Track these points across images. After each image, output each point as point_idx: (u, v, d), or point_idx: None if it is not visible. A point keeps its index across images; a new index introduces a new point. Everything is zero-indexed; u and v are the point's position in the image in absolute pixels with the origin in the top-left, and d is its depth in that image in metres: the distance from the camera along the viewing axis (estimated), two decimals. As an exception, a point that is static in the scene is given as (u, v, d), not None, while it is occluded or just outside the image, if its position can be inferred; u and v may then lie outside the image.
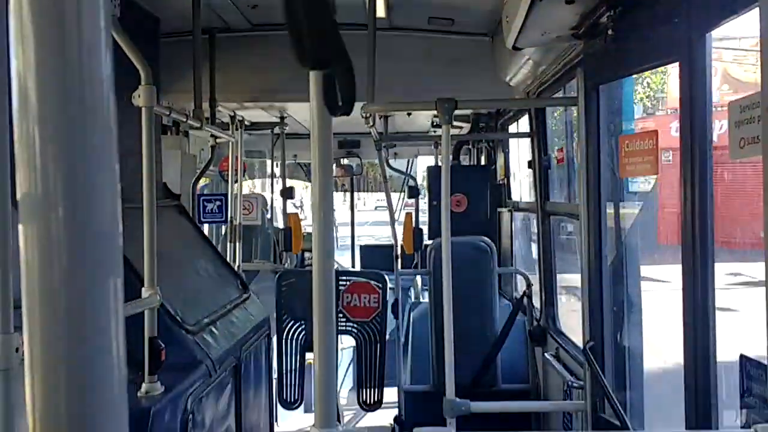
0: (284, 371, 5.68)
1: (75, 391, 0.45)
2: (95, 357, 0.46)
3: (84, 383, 0.46)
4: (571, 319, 4.24)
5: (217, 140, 5.51)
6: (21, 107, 0.47)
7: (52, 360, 0.46)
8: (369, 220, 20.33)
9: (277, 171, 7.58)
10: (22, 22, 0.46)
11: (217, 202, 6.10)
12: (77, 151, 0.47)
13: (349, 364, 6.67)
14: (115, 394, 0.47)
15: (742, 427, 1.98)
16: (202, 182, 6.79)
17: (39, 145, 0.46)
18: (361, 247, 9.17)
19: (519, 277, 6.02)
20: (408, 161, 9.04)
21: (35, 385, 0.46)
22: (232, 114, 5.78)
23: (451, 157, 3.80)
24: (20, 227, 0.46)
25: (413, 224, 6.93)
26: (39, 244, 0.46)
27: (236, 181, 5.96)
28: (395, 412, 5.48)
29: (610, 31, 2.73)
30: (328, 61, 1.01)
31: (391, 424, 5.42)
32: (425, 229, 6.95)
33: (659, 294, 5.45)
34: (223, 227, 6.77)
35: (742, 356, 2.01)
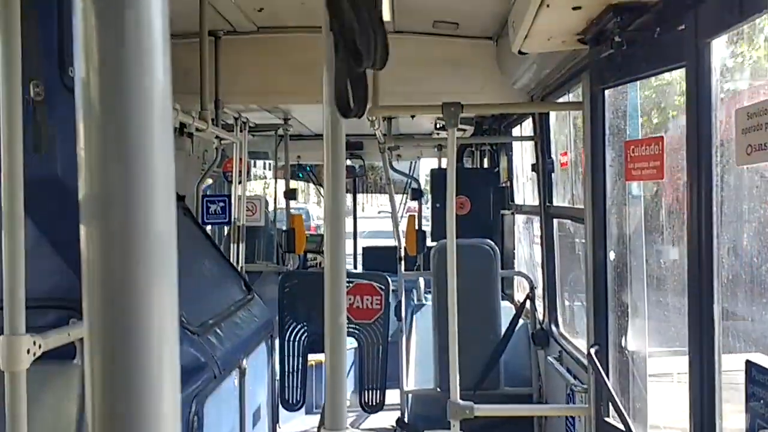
0: (286, 372, 5.69)
1: (133, 391, 0.47)
2: (152, 357, 0.48)
3: (142, 384, 0.47)
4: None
5: (222, 142, 5.53)
6: (85, 111, 0.49)
7: (112, 360, 0.47)
8: (368, 229, 18.40)
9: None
10: (86, 29, 0.48)
11: (221, 203, 6.11)
12: (137, 153, 0.49)
13: (351, 366, 6.67)
14: (170, 395, 0.48)
15: (747, 432, 1.99)
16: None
17: (100, 148, 0.48)
18: (364, 248, 9.18)
19: (522, 279, 6.03)
20: (411, 163, 9.06)
21: (95, 386, 0.47)
22: (237, 115, 5.79)
23: (455, 159, 3.81)
24: (81, 228, 0.48)
25: (416, 226, 6.94)
26: (99, 244, 0.47)
27: (240, 182, 5.98)
28: (397, 414, 5.49)
29: (616, 37, 2.74)
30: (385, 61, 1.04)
31: (393, 426, 5.43)
32: (428, 231, 6.96)
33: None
34: (226, 228, 6.79)
35: (747, 361, 2.02)
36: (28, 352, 1.93)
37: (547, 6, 2.60)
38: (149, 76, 0.49)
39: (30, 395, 1.98)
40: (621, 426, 2.99)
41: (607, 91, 3.13)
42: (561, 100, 4.39)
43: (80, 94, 0.48)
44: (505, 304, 5.58)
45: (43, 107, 2.35)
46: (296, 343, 5.68)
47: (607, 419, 3.19)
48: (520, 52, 3.33)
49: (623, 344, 3.21)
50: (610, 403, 3.11)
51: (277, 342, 5.34)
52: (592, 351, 3.17)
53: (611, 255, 3.23)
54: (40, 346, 1.97)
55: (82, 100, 0.48)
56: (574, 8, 2.64)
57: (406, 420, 5.32)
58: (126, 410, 0.46)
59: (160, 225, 0.48)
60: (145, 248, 0.48)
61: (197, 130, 4.39)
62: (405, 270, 5.78)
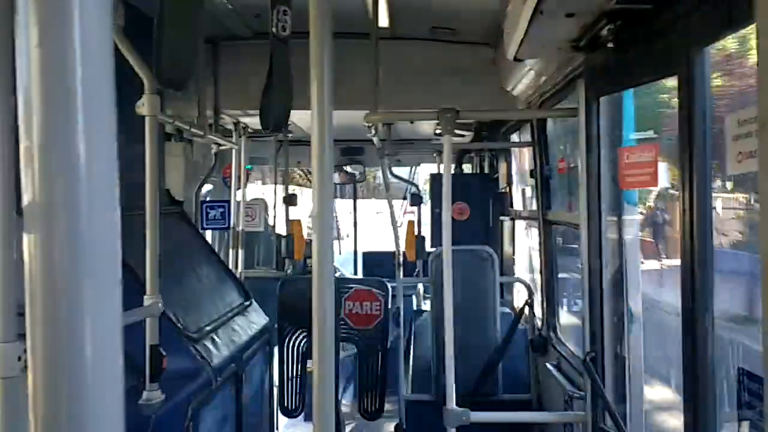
0: (285, 379, 5.69)
1: (75, 400, 0.47)
2: (95, 366, 0.48)
3: (84, 392, 0.47)
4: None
5: (221, 147, 5.54)
6: (26, 115, 0.48)
7: (53, 368, 0.47)
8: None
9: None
10: (27, 32, 0.48)
11: (220, 209, 6.12)
12: (79, 160, 0.48)
13: (351, 372, 6.67)
14: (113, 405, 0.49)
15: (739, 440, 1.99)
16: (205, 188, 6.81)
17: (42, 154, 0.48)
18: (363, 254, 9.18)
19: (520, 286, 6.03)
20: (411, 169, 9.06)
21: (37, 394, 0.47)
22: (236, 121, 5.81)
23: (453, 166, 3.82)
24: (24, 235, 0.48)
25: (416, 232, 6.94)
26: (41, 252, 0.47)
27: (239, 188, 5.98)
28: (396, 421, 5.48)
29: (610, 44, 2.74)
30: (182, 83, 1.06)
31: (391, 433, 5.42)
32: (427, 237, 6.96)
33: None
34: (226, 233, 6.78)
35: (740, 369, 2.01)
36: (20, 359, 1.93)
37: (541, 13, 2.61)
38: (93, 80, 0.48)
39: (22, 402, 1.98)
40: None
41: (602, 98, 3.14)
42: (558, 106, 4.39)
43: (22, 99, 0.48)
44: (503, 311, 5.57)
45: None
46: (295, 349, 5.68)
47: (603, 426, 3.18)
48: (515, 59, 3.34)
49: (619, 351, 3.21)
50: (606, 411, 3.11)
51: (275, 348, 5.34)
52: (588, 358, 3.17)
53: (606, 261, 3.22)
54: None
55: (23, 107, 0.48)
56: (568, 15, 2.64)
57: (404, 427, 5.31)
58: (67, 420, 0.47)
59: (104, 233, 0.48)
60: (89, 257, 0.48)
61: (195, 135, 4.40)
62: (405, 276, 5.78)
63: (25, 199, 0.48)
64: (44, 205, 0.47)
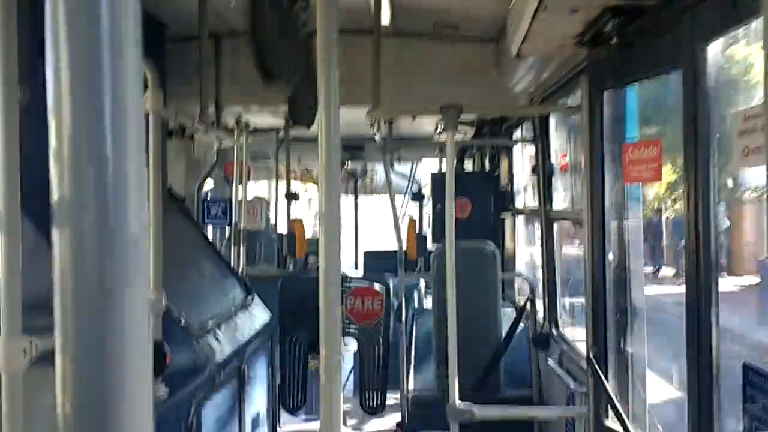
0: (287, 376, 5.69)
1: (104, 394, 0.47)
2: (124, 360, 0.48)
3: (113, 387, 0.48)
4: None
5: (222, 144, 5.54)
6: (56, 111, 0.49)
7: (83, 363, 0.48)
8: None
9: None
10: (57, 29, 0.48)
11: (222, 206, 6.12)
12: (108, 156, 0.49)
13: (352, 368, 6.67)
14: (143, 398, 0.49)
15: (744, 435, 1.99)
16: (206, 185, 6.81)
17: (72, 150, 0.48)
18: (365, 252, 9.18)
19: (523, 281, 6.03)
20: (412, 165, 9.06)
21: (66, 389, 0.47)
22: (238, 118, 5.80)
23: (455, 162, 3.81)
24: (53, 230, 0.48)
25: (417, 229, 6.94)
26: (71, 246, 0.48)
27: (240, 185, 5.98)
28: (398, 416, 5.48)
29: (614, 40, 2.74)
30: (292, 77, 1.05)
31: (394, 429, 5.43)
32: (429, 233, 6.96)
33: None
34: (227, 231, 6.79)
35: (745, 364, 2.01)
36: (25, 353, 1.94)
37: (545, 9, 2.61)
38: (121, 76, 0.49)
39: (27, 396, 1.98)
40: (620, 429, 2.99)
41: (605, 94, 3.14)
42: (561, 102, 4.39)
43: (51, 94, 0.49)
44: (505, 307, 5.57)
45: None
46: (297, 346, 5.69)
47: (606, 422, 3.18)
48: (518, 55, 3.33)
49: (622, 347, 3.21)
50: (609, 406, 3.11)
51: (277, 345, 5.35)
52: (591, 353, 3.17)
53: (610, 257, 3.22)
54: (37, 347, 1.97)
55: (53, 101, 0.48)
56: (572, 11, 2.64)
57: (407, 422, 5.31)
58: (97, 418, 0.47)
59: (133, 228, 0.49)
60: (117, 251, 0.48)
61: (197, 132, 4.40)
62: (407, 272, 5.78)
63: (55, 194, 0.48)
64: (74, 200, 0.48)
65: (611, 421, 3.14)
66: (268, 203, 7.72)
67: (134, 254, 0.49)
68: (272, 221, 7.85)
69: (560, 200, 5.13)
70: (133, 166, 0.49)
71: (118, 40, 0.49)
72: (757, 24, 1.92)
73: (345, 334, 5.80)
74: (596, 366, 3.13)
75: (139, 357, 0.48)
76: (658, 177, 2.63)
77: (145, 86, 3.09)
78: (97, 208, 0.47)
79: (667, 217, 14.67)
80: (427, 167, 9.08)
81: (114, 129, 0.48)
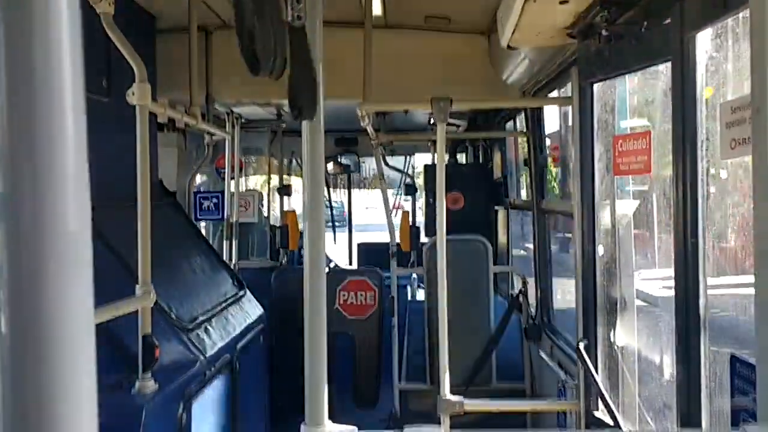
0: (280, 368, 5.69)
1: (43, 393, 0.45)
2: (64, 363, 0.46)
3: (53, 386, 0.46)
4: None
5: (214, 137, 5.51)
6: None
7: (20, 364, 0.46)
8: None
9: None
10: None
11: (214, 200, 6.09)
12: (46, 147, 0.46)
13: (345, 362, 6.67)
14: (84, 401, 0.47)
15: (732, 426, 1.99)
16: (198, 178, 6.78)
17: (6, 143, 0.46)
18: (358, 245, 9.17)
19: (515, 275, 6.04)
20: (405, 158, 9.04)
21: (5, 394, 0.46)
22: (229, 111, 5.77)
23: (447, 155, 3.81)
24: None
25: (410, 222, 6.93)
26: (7, 242, 0.46)
27: (233, 178, 5.96)
28: (391, 409, 5.49)
29: (603, 31, 2.73)
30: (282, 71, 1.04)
31: (386, 422, 5.43)
32: (422, 227, 6.95)
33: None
34: (219, 224, 6.76)
35: (732, 356, 2.02)
36: None
37: (534, 0, 2.60)
38: (58, 67, 0.47)
39: None
40: (610, 420, 2.99)
41: (596, 86, 3.13)
42: (553, 95, 4.38)
43: None
44: (497, 299, 5.58)
45: None
46: (289, 338, 5.68)
47: (596, 413, 3.19)
48: (509, 47, 3.32)
49: (612, 339, 3.21)
50: (598, 398, 3.12)
51: (269, 338, 5.33)
52: (581, 346, 3.17)
53: (600, 250, 3.22)
54: None
55: None
56: (561, 2, 2.63)
57: (399, 415, 5.32)
58: (35, 415, 0.45)
59: (72, 225, 0.47)
60: (57, 249, 0.46)
61: (187, 125, 4.37)
62: (399, 266, 5.78)
63: None
64: (8, 196, 0.45)
65: (601, 413, 3.15)
66: (261, 195, 7.70)
67: (73, 253, 0.46)
68: (265, 214, 7.83)
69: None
70: (73, 160, 0.47)
71: (55, 28, 0.46)
72: (744, 14, 1.91)
73: (338, 328, 5.79)
74: (586, 358, 3.13)
75: (81, 361, 0.46)
76: (647, 169, 2.63)
77: (133, 79, 3.06)
78: (32, 204, 0.45)
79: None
80: (422, 160, 9.06)
81: (52, 121, 0.46)
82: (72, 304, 0.46)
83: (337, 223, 9.89)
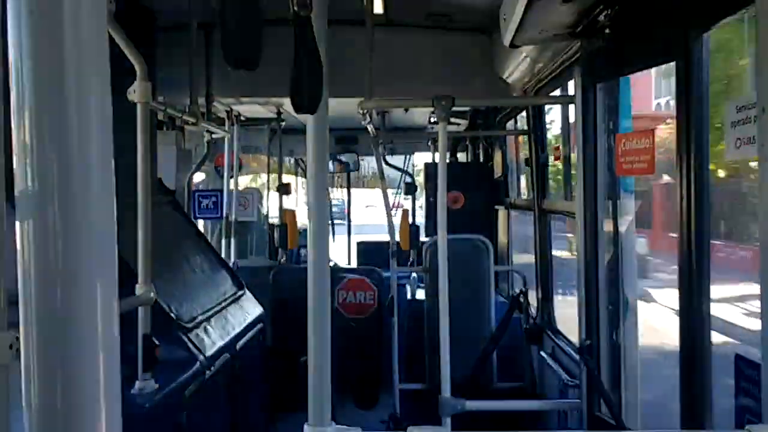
0: (280, 367, 5.67)
1: (70, 385, 0.45)
2: (89, 352, 0.46)
3: (78, 377, 0.46)
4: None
5: (213, 136, 5.49)
6: (18, 105, 0.47)
7: (48, 354, 0.46)
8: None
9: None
10: (19, 20, 0.46)
11: (213, 198, 6.08)
12: (73, 148, 0.47)
13: (345, 362, 6.66)
14: (109, 389, 0.47)
15: (736, 427, 1.98)
16: (197, 177, 6.77)
17: (36, 142, 0.46)
18: (358, 243, 9.16)
19: (515, 274, 6.02)
20: (405, 157, 9.03)
21: (32, 380, 0.46)
22: (228, 109, 5.76)
23: (448, 154, 3.79)
24: (17, 223, 0.46)
25: (410, 221, 6.92)
26: (35, 239, 0.46)
27: (232, 177, 5.95)
28: (390, 410, 5.47)
29: (607, 30, 2.72)
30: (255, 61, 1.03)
31: (386, 422, 5.42)
32: (422, 226, 6.93)
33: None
34: (218, 223, 6.75)
35: (737, 356, 2.00)
36: (11, 347, 1.91)
37: (538, -1, 2.58)
38: (86, 67, 0.47)
39: (13, 391, 1.96)
40: (612, 420, 2.98)
41: (599, 85, 3.11)
42: (555, 94, 4.37)
43: (14, 88, 0.46)
44: (498, 299, 5.57)
45: None
46: (289, 338, 5.67)
47: (598, 414, 3.18)
48: (511, 46, 3.31)
49: (615, 339, 3.20)
50: (601, 398, 3.11)
51: (269, 337, 5.32)
52: (584, 346, 3.16)
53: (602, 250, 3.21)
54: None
55: (16, 96, 0.46)
56: (565, 1, 2.61)
57: (399, 416, 5.31)
58: (63, 408, 0.45)
59: (98, 221, 0.47)
60: (83, 244, 0.46)
61: (187, 124, 4.36)
62: (398, 265, 5.78)
63: (18, 188, 0.46)
64: (37, 194, 0.46)
65: (604, 414, 3.14)
66: (260, 194, 7.69)
67: (100, 249, 0.46)
68: (264, 212, 7.82)
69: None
70: (99, 159, 0.47)
71: (81, 32, 0.46)
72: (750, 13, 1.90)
73: (337, 328, 5.77)
74: (589, 358, 3.12)
75: (105, 351, 0.46)
76: (650, 169, 2.61)
77: (134, 77, 3.05)
78: (61, 202, 0.45)
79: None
80: (422, 158, 9.05)
81: (78, 123, 0.46)
82: (98, 298, 0.46)
83: (338, 221, 9.89)
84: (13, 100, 0.48)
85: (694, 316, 2.23)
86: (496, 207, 6.63)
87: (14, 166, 0.47)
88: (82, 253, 0.46)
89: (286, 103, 6.32)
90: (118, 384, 0.49)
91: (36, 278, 0.46)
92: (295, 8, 1.36)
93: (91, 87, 0.48)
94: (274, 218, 7.57)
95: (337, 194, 11.32)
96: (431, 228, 6.39)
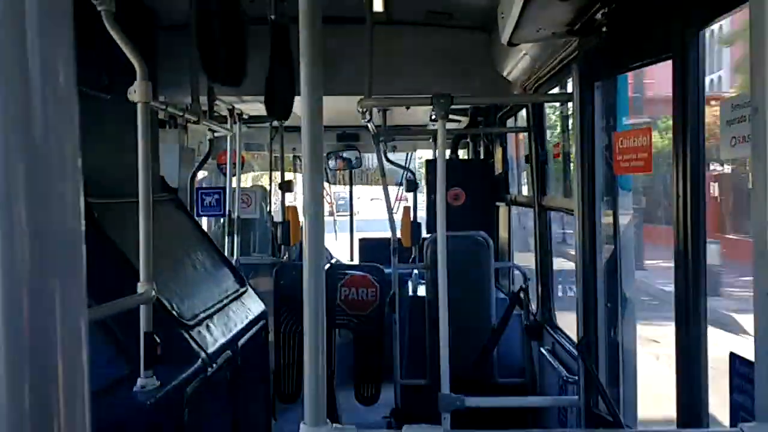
0: (282, 365, 5.70)
1: (38, 396, 0.46)
2: (58, 361, 0.47)
3: (46, 387, 0.46)
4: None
5: (215, 134, 5.51)
6: None
7: (15, 363, 0.46)
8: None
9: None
10: None
11: (216, 196, 6.11)
12: (38, 146, 0.47)
13: (347, 358, 6.69)
14: (77, 399, 0.47)
15: (730, 426, 1.99)
16: (200, 175, 6.79)
17: (2, 141, 0.46)
18: (360, 240, 9.18)
19: (516, 271, 6.03)
20: (407, 155, 9.04)
21: (2, 388, 0.46)
22: (230, 107, 5.78)
23: (447, 151, 3.81)
24: None
25: (411, 218, 6.94)
26: (2, 241, 0.46)
27: (234, 175, 5.97)
28: (392, 406, 5.50)
29: (605, 28, 2.72)
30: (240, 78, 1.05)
31: (387, 418, 5.45)
32: (424, 222, 6.95)
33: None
34: (220, 220, 6.78)
35: (731, 354, 2.02)
36: None
37: (535, -3, 2.59)
38: (50, 61, 0.47)
39: None
40: (610, 417, 3.00)
41: (596, 83, 3.12)
42: (554, 91, 4.37)
43: None
44: (499, 296, 5.58)
45: None
46: (291, 335, 5.69)
47: (596, 410, 3.20)
48: (509, 44, 3.32)
49: (613, 336, 3.21)
50: (599, 395, 3.12)
51: (271, 335, 5.35)
52: (582, 343, 3.18)
53: (601, 246, 3.22)
54: None
55: None
56: (562, -1, 2.62)
57: (399, 412, 5.33)
58: (30, 414, 0.46)
59: (66, 221, 0.47)
60: (50, 245, 0.46)
61: (189, 122, 4.38)
62: (400, 261, 5.80)
63: None
64: (3, 195, 0.46)
65: (602, 411, 3.16)
66: (264, 191, 7.71)
67: (69, 249, 0.47)
68: (267, 210, 7.85)
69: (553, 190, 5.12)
70: (65, 157, 0.47)
71: (48, 26, 0.47)
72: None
73: (340, 325, 5.80)
74: (587, 355, 3.13)
75: (73, 356, 0.47)
76: (647, 168, 2.62)
77: (134, 76, 3.06)
78: (27, 201, 0.46)
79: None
80: (424, 155, 9.06)
81: (44, 120, 0.46)
82: (66, 300, 0.47)
83: (344, 213, 9.90)
84: None
85: (690, 313, 2.24)
86: (497, 204, 6.65)
87: None
88: (48, 256, 0.47)
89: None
90: (86, 395, 0.49)
91: (4, 282, 0.46)
92: (272, 16, 1.38)
93: (56, 80, 0.47)
94: (276, 214, 7.60)
95: (341, 189, 11.36)
96: (433, 224, 6.40)
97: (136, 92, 3.02)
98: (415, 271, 6.46)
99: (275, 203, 7.80)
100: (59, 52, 0.48)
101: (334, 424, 1.56)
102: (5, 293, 0.46)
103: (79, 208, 0.49)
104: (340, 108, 5.11)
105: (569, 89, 3.72)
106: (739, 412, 1.94)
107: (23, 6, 0.46)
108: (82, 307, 0.49)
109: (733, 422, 1.96)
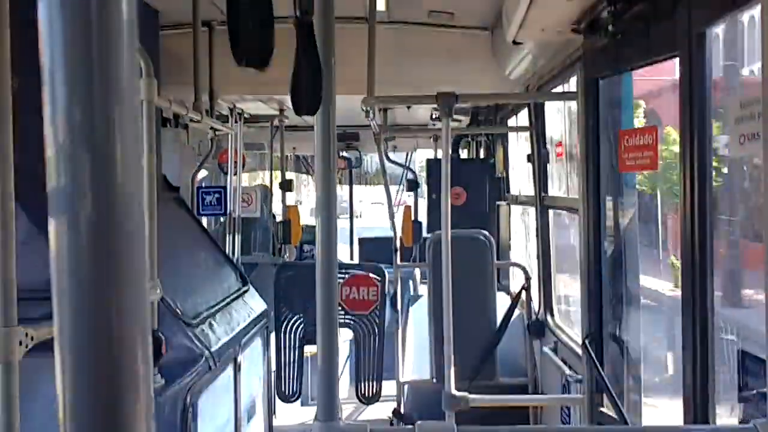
0: (282, 364, 5.70)
1: (104, 382, 0.46)
2: (123, 350, 0.47)
3: (113, 376, 0.47)
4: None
5: (217, 133, 5.51)
6: (51, 100, 0.48)
7: (81, 352, 0.47)
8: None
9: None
10: (50, 19, 0.47)
11: (216, 195, 6.09)
12: (105, 144, 0.48)
13: (348, 358, 6.69)
14: (142, 387, 0.48)
15: (740, 422, 2.00)
16: (201, 174, 6.79)
17: (68, 138, 0.47)
18: (360, 239, 9.19)
19: (518, 270, 6.04)
20: (407, 154, 9.05)
21: (65, 377, 0.47)
22: (232, 106, 5.77)
23: (450, 150, 3.80)
24: (50, 219, 0.47)
25: (412, 217, 6.94)
26: (67, 236, 0.47)
27: (235, 174, 5.96)
28: (394, 405, 5.50)
29: (610, 26, 2.73)
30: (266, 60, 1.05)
31: (389, 417, 5.45)
32: (424, 222, 6.95)
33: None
34: (222, 219, 6.77)
35: (741, 351, 2.02)
36: (21, 343, 1.92)
37: (541, -5, 2.59)
38: (116, 64, 0.48)
39: (23, 387, 1.98)
40: (615, 415, 3.00)
41: (601, 81, 3.12)
42: (557, 90, 4.38)
43: (46, 83, 0.48)
44: (500, 295, 5.58)
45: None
46: (292, 334, 5.69)
47: (601, 409, 3.20)
48: (514, 42, 3.32)
49: (617, 334, 3.22)
50: (604, 393, 3.12)
51: (273, 334, 5.34)
52: (587, 341, 3.18)
53: (605, 245, 3.23)
54: (32, 338, 1.96)
55: (48, 90, 0.47)
56: (568, -2, 2.63)
57: (402, 411, 5.33)
58: (98, 409, 0.46)
59: (130, 218, 0.48)
60: (114, 241, 0.47)
61: (191, 121, 4.37)
62: (402, 261, 5.79)
63: (51, 183, 0.48)
64: (70, 189, 0.47)
65: (606, 408, 3.16)
66: (266, 190, 7.71)
67: (132, 244, 0.48)
68: (269, 209, 7.85)
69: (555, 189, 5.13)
70: (129, 154, 0.48)
71: (112, 27, 0.48)
72: (757, 9, 1.91)
73: (341, 324, 5.79)
74: (591, 353, 3.14)
75: (138, 347, 0.48)
76: (653, 165, 2.63)
77: (139, 74, 3.06)
78: (93, 197, 0.47)
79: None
80: (424, 155, 9.07)
81: (109, 116, 0.47)
82: (132, 295, 0.48)
83: (344, 216, 9.92)
84: (46, 97, 0.49)
85: (697, 311, 2.24)
86: (498, 203, 6.65)
87: (47, 163, 0.49)
88: (114, 251, 0.47)
89: (289, 101, 6.32)
90: (150, 379, 0.50)
91: (68, 275, 0.47)
92: (298, 14, 1.38)
93: (121, 83, 0.49)
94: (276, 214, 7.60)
95: (339, 191, 11.37)
96: (434, 223, 6.40)
97: (141, 90, 3.02)
98: (417, 270, 6.47)
99: (272, 203, 7.80)
100: (125, 52, 0.49)
101: (346, 421, 1.56)
102: (71, 283, 0.47)
103: (140, 206, 0.50)
104: (341, 107, 5.10)
105: (571, 87, 3.73)
106: (750, 409, 1.94)
107: (93, 17, 0.48)
108: (144, 300, 0.50)
109: (745, 419, 1.96)
